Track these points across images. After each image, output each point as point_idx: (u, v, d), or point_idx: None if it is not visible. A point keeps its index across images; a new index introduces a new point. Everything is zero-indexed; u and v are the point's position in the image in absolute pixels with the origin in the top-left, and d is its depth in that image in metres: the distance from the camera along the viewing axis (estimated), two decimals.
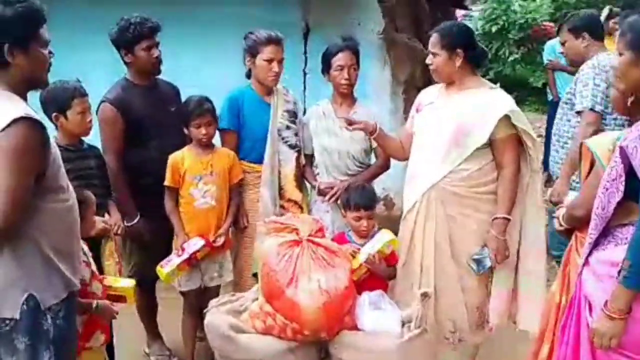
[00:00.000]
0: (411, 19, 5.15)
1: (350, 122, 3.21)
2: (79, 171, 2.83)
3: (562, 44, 4.14)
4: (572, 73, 6.77)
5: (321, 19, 5.14)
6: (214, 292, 3.38)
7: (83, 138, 3.05)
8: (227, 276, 3.42)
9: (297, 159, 3.55)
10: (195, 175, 3.27)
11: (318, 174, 3.59)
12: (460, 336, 3.12)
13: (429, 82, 4.92)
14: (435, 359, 2.92)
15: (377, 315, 2.79)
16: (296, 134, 3.54)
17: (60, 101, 2.87)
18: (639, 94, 2.17)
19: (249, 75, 3.51)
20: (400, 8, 5.06)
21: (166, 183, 3.28)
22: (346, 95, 3.53)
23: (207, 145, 3.33)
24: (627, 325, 2.10)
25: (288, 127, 3.50)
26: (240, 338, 2.76)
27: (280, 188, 3.49)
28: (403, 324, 2.79)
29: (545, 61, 7.16)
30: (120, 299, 2.74)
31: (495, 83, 10.70)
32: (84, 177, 2.84)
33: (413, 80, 5.05)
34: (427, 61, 3.08)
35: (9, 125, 2.05)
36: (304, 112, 3.83)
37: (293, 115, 3.54)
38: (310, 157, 3.64)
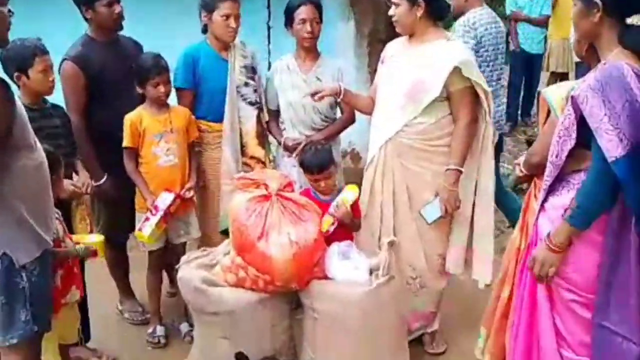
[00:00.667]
0: None
1: (315, 93, 3.21)
2: (44, 130, 2.81)
3: None
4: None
5: None
6: (180, 249, 3.44)
7: (46, 97, 3.02)
8: (194, 233, 3.47)
9: (258, 115, 3.55)
10: (156, 134, 3.26)
11: (284, 129, 3.62)
12: (421, 282, 3.25)
13: (393, 35, 4.98)
14: (406, 305, 3.02)
15: (345, 264, 2.87)
16: (255, 90, 3.54)
17: (21, 60, 2.81)
18: (592, 42, 2.24)
19: (204, 31, 3.48)
20: None
21: (125, 144, 3.25)
22: (309, 49, 3.54)
23: (164, 104, 3.31)
24: (578, 263, 2.25)
25: (246, 84, 3.49)
26: (213, 291, 2.83)
27: (242, 145, 3.50)
28: (371, 272, 2.89)
29: (508, 12, 7.20)
30: (91, 253, 2.77)
31: None
32: (49, 137, 2.82)
33: (377, 34, 5.08)
34: (390, 12, 3.09)
35: None
36: (269, 67, 3.83)
37: (251, 70, 3.53)
38: (275, 113, 3.66)
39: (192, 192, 3.35)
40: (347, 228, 3.13)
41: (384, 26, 5.04)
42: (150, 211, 3.22)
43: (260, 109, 3.58)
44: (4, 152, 2.21)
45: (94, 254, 2.79)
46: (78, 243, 2.78)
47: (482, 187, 3.17)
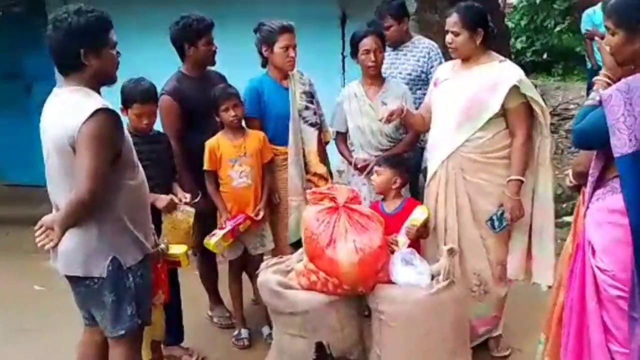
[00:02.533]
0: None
1: (387, 119, 3.48)
2: (146, 154, 3.24)
3: None
4: None
5: (357, 5, 5.47)
6: (259, 259, 3.77)
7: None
8: (269, 245, 3.81)
9: (318, 135, 3.89)
10: (231, 159, 3.65)
11: (353, 150, 3.93)
12: (485, 289, 3.45)
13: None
14: (464, 309, 3.23)
15: (409, 270, 3.13)
16: (315, 113, 3.87)
17: (125, 100, 3.33)
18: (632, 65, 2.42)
19: (264, 65, 3.83)
20: None
21: (205, 167, 3.66)
22: (374, 76, 3.84)
23: (238, 129, 3.69)
24: (623, 261, 2.41)
25: (307, 108, 3.83)
26: (288, 293, 3.16)
27: (305, 164, 3.84)
28: (432, 278, 3.13)
29: (584, 31, 7.25)
30: (175, 263, 3.17)
31: (541, 54, 10.80)
32: (151, 160, 3.24)
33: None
34: (447, 40, 3.35)
35: (91, 116, 2.47)
36: None
37: (310, 95, 3.87)
38: (344, 135, 3.98)
39: (261, 214, 3.70)
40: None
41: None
42: (222, 225, 3.62)
43: (319, 130, 3.91)
44: (114, 172, 2.61)
45: (178, 263, 3.17)
46: (165, 253, 3.16)
47: (541, 195, 3.35)
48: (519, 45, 12.28)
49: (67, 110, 2.55)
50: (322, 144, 3.94)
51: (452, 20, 3.31)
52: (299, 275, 3.22)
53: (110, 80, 2.74)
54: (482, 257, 3.42)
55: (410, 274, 3.12)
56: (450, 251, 3.12)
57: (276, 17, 4.88)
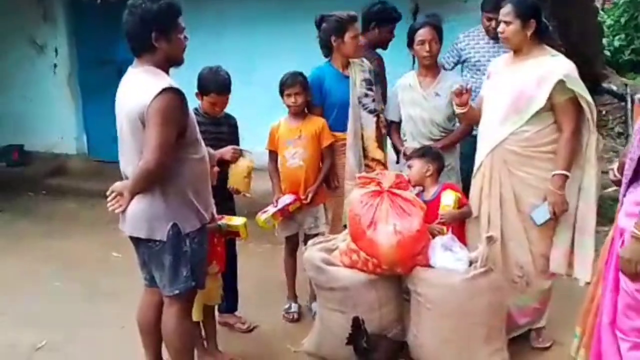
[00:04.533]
0: None
1: (460, 92, 3.51)
2: (210, 134, 3.52)
3: None
4: None
5: None
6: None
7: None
8: (322, 227, 4.00)
9: (377, 122, 4.02)
10: (287, 140, 3.90)
11: (405, 139, 4.06)
12: (527, 280, 3.50)
13: None
14: (501, 296, 3.29)
15: (447, 255, 3.25)
16: (374, 100, 4.01)
17: (202, 87, 3.62)
18: None
19: (326, 54, 4.00)
20: None
21: (266, 147, 3.95)
22: (429, 67, 3.95)
23: (298, 114, 3.91)
24: None
25: (366, 95, 3.97)
26: (330, 269, 3.35)
27: (364, 149, 3.99)
28: (471, 264, 3.23)
29: None
30: (234, 234, 3.42)
31: None
32: (214, 140, 3.54)
33: None
34: (499, 29, 3.40)
35: (160, 94, 2.74)
36: None
37: (370, 83, 4.00)
38: (397, 124, 4.11)
39: (310, 196, 3.89)
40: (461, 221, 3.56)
41: None
42: (273, 204, 3.86)
43: (378, 116, 4.04)
44: (179, 146, 2.87)
45: (236, 234, 3.42)
46: (226, 224, 3.42)
47: (586, 190, 3.37)
48: (617, 43, 11.86)
49: (139, 88, 2.83)
50: (380, 130, 4.08)
51: (506, 10, 3.36)
52: (342, 253, 3.39)
53: (178, 62, 3.00)
54: (525, 249, 3.46)
55: (448, 259, 3.23)
56: (489, 239, 3.20)
57: (349, 10, 5.10)
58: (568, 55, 3.46)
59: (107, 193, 2.97)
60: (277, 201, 3.88)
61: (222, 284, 3.58)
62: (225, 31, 6.63)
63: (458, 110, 3.59)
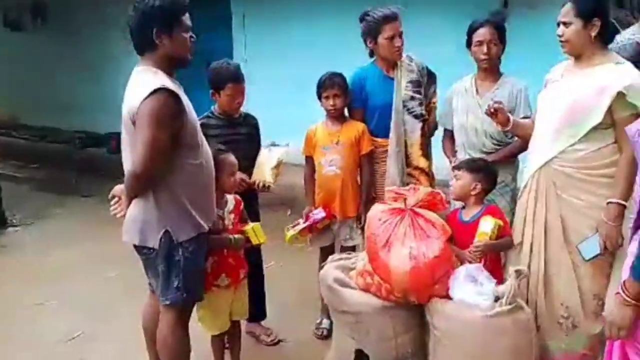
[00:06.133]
0: None
1: (493, 112, 3.16)
2: (224, 137, 3.38)
3: None
4: None
5: None
6: (350, 251, 3.69)
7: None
8: (357, 239, 3.74)
9: (422, 127, 3.68)
10: (324, 146, 3.64)
11: (457, 150, 3.66)
12: (573, 322, 3.02)
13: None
14: (530, 338, 2.86)
15: (470, 287, 2.85)
16: (421, 104, 3.66)
17: (216, 82, 3.46)
18: None
19: (372, 54, 3.70)
20: None
21: (303, 153, 3.71)
22: (488, 71, 3.53)
23: (337, 118, 3.65)
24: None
25: (412, 98, 3.63)
26: (342, 291, 3.07)
27: (407, 157, 3.66)
28: (497, 299, 2.83)
29: None
30: (248, 241, 3.24)
31: None
32: (230, 142, 3.37)
33: None
34: (558, 32, 2.94)
35: (151, 94, 2.62)
36: None
37: (417, 85, 3.65)
38: (451, 133, 3.72)
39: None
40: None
41: None
42: (304, 218, 3.63)
43: (424, 121, 3.69)
44: (174, 150, 2.74)
45: (247, 241, 3.23)
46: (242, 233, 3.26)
47: None
48: None
49: (133, 88, 2.74)
50: (425, 137, 3.75)
51: (565, 9, 2.90)
52: (357, 274, 3.10)
53: (183, 62, 2.88)
54: (572, 286, 2.99)
55: (469, 291, 2.83)
56: (518, 273, 2.78)
57: (437, 3, 4.75)
58: None
59: (109, 197, 2.92)
60: (307, 216, 3.65)
61: (247, 297, 3.42)
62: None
63: (500, 129, 3.18)
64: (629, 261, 2.08)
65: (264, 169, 3.51)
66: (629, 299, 2.02)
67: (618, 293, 2.06)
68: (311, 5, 6.41)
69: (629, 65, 2.86)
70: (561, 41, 2.95)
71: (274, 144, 3.59)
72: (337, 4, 6.10)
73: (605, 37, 2.89)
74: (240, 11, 7.10)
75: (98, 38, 8.31)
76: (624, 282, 2.04)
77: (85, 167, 8.09)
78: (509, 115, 3.21)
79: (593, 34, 2.85)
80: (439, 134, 3.88)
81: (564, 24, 2.91)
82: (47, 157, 8.82)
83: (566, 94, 2.93)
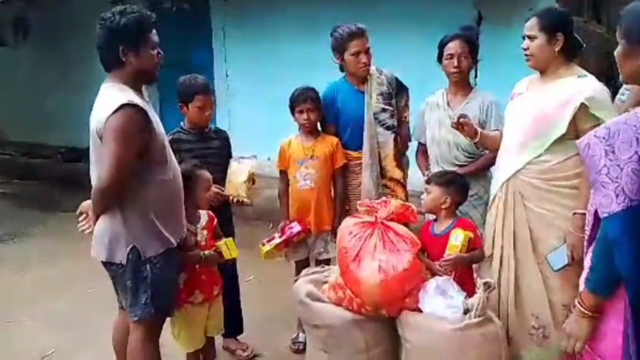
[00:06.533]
0: (590, 1, 4.82)
1: (459, 125, 3.19)
2: (195, 151, 3.38)
3: None
4: None
5: (494, 6, 5.12)
6: (325, 264, 3.68)
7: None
8: (332, 252, 3.72)
9: (395, 139, 3.70)
10: (298, 160, 3.65)
11: (430, 163, 3.68)
12: (544, 333, 3.04)
13: (606, 69, 4.62)
14: (499, 349, 2.87)
15: (439, 300, 2.86)
16: (392, 116, 3.68)
17: (185, 94, 3.45)
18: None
19: (342, 69, 3.72)
20: None
21: (277, 167, 3.72)
22: (459, 84, 3.56)
23: (311, 132, 3.66)
24: (605, 332, 1.98)
25: (384, 110, 3.66)
26: (314, 305, 3.06)
27: (382, 168, 3.68)
28: (467, 312, 2.83)
29: None
30: (215, 258, 3.22)
31: None
32: (203, 157, 3.38)
33: (586, 68, 4.72)
34: (523, 46, 2.99)
35: (117, 110, 2.63)
36: None
37: (388, 97, 3.68)
38: (424, 146, 3.74)
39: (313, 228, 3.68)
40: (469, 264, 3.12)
41: (594, 59, 4.71)
42: (279, 233, 3.63)
43: (396, 133, 3.71)
44: (142, 166, 2.74)
45: (220, 256, 3.23)
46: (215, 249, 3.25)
47: None
48: None
49: (100, 104, 2.75)
50: (398, 148, 3.76)
51: (530, 23, 2.97)
52: (330, 288, 3.10)
53: (150, 78, 2.90)
54: (542, 296, 3.01)
55: (439, 304, 2.85)
56: (487, 285, 2.80)
57: (408, 18, 4.77)
58: None
59: (77, 213, 2.91)
60: (282, 230, 3.66)
61: (222, 312, 3.42)
62: None
63: (468, 141, 3.20)
64: (584, 273, 2.09)
65: (236, 184, 3.50)
66: (585, 311, 2.03)
67: (575, 305, 2.07)
68: (290, 20, 6.47)
69: (591, 78, 2.91)
70: (526, 54, 3.00)
71: (242, 157, 3.58)
72: (316, 20, 6.14)
73: (569, 52, 2.94)
74: (220, 27, 7.13)
75: (81, 52, 8.27)
76: (580, 293, 2.05)
77: (66, 182, 8.05)
78: (476, 127, 3.24)
79: (557, 48, 2.90)
80: (413, 146, 3.91)
81: (529, 37, 2.96)
82: (30, 172, 8.78)
83: (531, 106, 2.97)
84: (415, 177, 3.92)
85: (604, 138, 1.85)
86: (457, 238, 2.99)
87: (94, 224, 2.84)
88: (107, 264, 2.87)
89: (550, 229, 2.95)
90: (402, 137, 3.79)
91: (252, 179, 3.54)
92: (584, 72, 2.95)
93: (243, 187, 3.50)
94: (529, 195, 2.96)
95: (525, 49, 2.98)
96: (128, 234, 2.78)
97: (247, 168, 3.53)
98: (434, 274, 3.05)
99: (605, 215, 1.84)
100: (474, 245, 3.08)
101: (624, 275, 1.84)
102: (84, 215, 2.92)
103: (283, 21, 6.56)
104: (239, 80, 7.10)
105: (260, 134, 6.52)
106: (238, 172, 3.51)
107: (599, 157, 1.85)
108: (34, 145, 9.40)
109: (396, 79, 3.78)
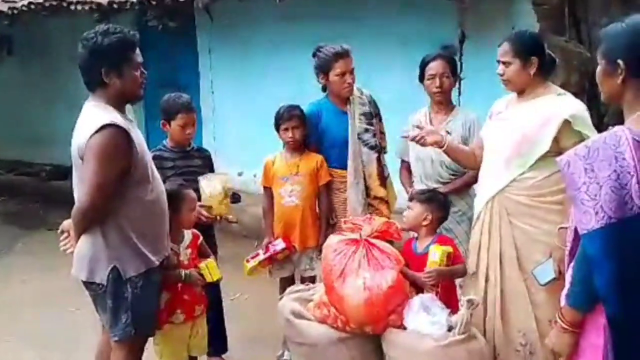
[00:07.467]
0: (570, 21, 4.89)
1: (412, 137, 3.21)
2: (180, 169, 3.38)
3: None
4: None
5: (476, 25, 5.18)
6: (310, 281, 3.72)
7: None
8: (317, 270, 3.72)
9: (378, 158, 3.73)
10: (283, 177, 3.65)
11: (414, 181, 3.71)
12: (531, 349, 3.04)
13: (587, 88, 4.69)
14: None
15: (423, 317, 2.86)
16: (374, 135, 3.71)
17: (167, 112, 3.46)
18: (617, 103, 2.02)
19: (324, 89, 3.74)
20: (557, 10, 4.84)
21: (262, 183, 3.72)
22: (442, 103, 3.60)
23: (296, 149, 3.67)
24: (584, 348, 2.00)
25: (367, 130, 3.69)
26: (299, 323, 3.05)
27: (367, 187, 3.69)
28: (451, 329, 2.84)
29: None
30: (196, 278, 3.20)
31: None
32: (186, 174, 3.39)
33: (567, 86, 4.79)
34: (498, 71, 3.03)
35: (99, 130, 2.61)
36: None
37: (369, 116, 3.71)
38: (407, 164, 3.77)
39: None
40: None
41: (577, 77, 4.78)
42: (263, 249, 3.62)
43: (379, 152, 3.74)
44: (124, 185, 2.72)
45: (202, 279, 3.20)
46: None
47: None
48: None
49: (82, 124, 2.73)
50: (381, 166, 3.79)
51: (503, 49, 3.00)
52: (315, 306, 3.10)
53: (134, 98, 2.89)
54: (528, 313, 3.02)
55: (423, 321, 2.84)
56: (470, 303, 2.79)
57: (391, 37, 4.80)
58: None
59: (59, 232, 2.90)
60: (267, 246, 3.65)
61: (206, 331, 3.39)
62: None
63: (435, 147, 3.24)
64: (565, 289, 2.11)
65: (214, 202, 3.47)
66: (566, 326, 2.05)
67: (556, 321, 2.09)
68: (276, 39, 6.51)
69: (570, 96, 2.96)
70: (502, 80, 3.04)
71: (211, 173, 3.57)
72: (302, 38, 6.19)
73: (545, 71, 2.99)
74: (206, 45, 7.16)
75: (66, 70, 8.26)
76: (561, 309, 2.06)
77: (51, 200, 8.00)
78: (441, 135, 3.25)
79: (532, 71, 2.94)
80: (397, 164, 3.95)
81: (504, 63, 2.99)
82: (14, 189, 8.72)
83: (512, 126, 3.00)
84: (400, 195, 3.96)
85: (584, 156, 1.87)
86: (435, 254, 3.01)
87: (76, 243, 2.82)
88: (87, 284, 2.84)
89: (536, 245, 2.96)
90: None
91: (227, 194, 3.50)
92: (562, 90, 3.00)
93: (223, 205, 3.48)
94: (513, 211, 2.98)
95: (501, 74, 3.02)
96: (109, 254, 2.75)
97: (220, 184, 3.48)
98: (418, 290, 3.06)
99: (585, 232, 1.85)
100: (454, 261, 3.09)
101: (601, 294, 1.85)
102: (65, 235, 2.90)
103: (268, 40, 6.61)
104: (225, 99, 7.12)
105: (246, 151, 6.55)
106: (210, 188, 3.45)
107: (579, 174, 1.87)
108: (18, 163, 9.35)
109: (371, 96, 3.82)
